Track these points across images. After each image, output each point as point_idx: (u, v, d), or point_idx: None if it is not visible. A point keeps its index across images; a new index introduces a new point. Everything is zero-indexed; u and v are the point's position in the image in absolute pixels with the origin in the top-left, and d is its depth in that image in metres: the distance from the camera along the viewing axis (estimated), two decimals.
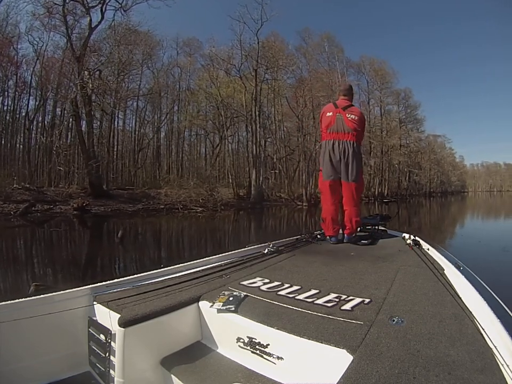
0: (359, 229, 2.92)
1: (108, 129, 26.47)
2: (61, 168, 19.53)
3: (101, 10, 19.67)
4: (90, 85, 18.70)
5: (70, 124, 23.47)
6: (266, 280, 1.64)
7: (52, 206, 15.40)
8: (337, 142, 2.78)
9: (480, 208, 25.83)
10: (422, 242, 2.42)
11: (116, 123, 28.77)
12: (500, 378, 0.76)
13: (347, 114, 2.80)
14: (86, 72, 18.91)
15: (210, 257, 2.07)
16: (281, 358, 1.10)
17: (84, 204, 14.81)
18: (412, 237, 2.52)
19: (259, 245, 2.43)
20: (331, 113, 2.84)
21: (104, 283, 1.55)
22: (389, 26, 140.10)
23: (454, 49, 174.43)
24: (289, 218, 16.34)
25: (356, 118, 2.82)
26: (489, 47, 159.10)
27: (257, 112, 22.11)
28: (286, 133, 29.61)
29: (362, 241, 2.65)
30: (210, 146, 31.58)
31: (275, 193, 24.87)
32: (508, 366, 0.78)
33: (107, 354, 1.27)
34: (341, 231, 2.87)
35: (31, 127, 24.70)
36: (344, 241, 2.76)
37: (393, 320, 1.11)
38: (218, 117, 25.23)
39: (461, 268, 1.63)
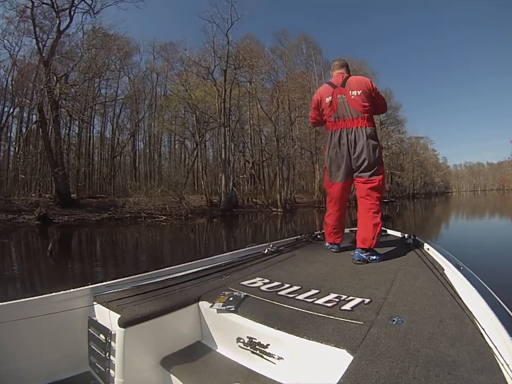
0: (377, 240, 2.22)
1: (78, 135, 25.86)
2: (23, 176, 18.80)
3: (69, 13, 19.15)
4: (58, 90, 18.15)
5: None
6: (266, 280, 1.64)
7: (16, 216, 14.87)
8: (344, 132, 2.25)
9: (464, 208, 26.00)
10: (422, 242, 2.40)
11: (91, 130, 28.34)
12: (500, 378, 0.76)
13: (350, 92, 2.25)
14: (54, 77, 18.41)
15: (211, 257, 2.05)
16: (281, 358, 1.10)
17: (41, 214, 14.08)
18: (412, 237, 2.50)
19: (259, 245, 2.42)
20: (330, 97, 2.31)
21: (104, 283, 1.53)
22: (371, 29, 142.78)
23: (437, 52, 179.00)
24: (257, 227, 15.47)
25: (360, 92, 2.23)
26: (473, 49, 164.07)
27: (226, 115, 21.55)
28: (264, 138, 29.33)
29: None
30: (187, 153, 31.14)
31: (251, 199, 24.36)
32: (508, 366, 0.78)
33: (107, 355, 1.25)
34: (348, 231, 2.77)
35: (1, 134, 23.94)
36: (356, 258, 2.08)
37: (393, 320, 1.10)
38: (194, 122, 24.81)
39: (461, 268, 1.61)
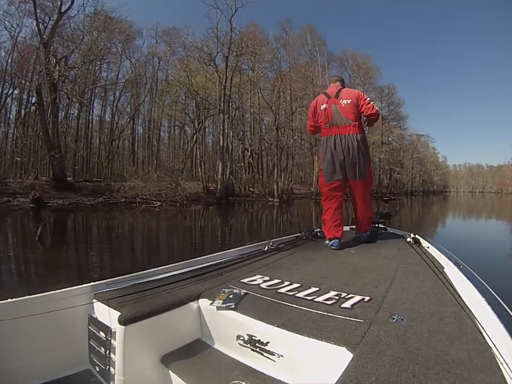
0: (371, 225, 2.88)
1: (77, 118, 25.64)
2: (19, 159, 18.61)
3: None
4: (56, 72, 17.86)
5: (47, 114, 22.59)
6: (266, 278, 1.64)
7: (10, 199, 14.74)
8: (338, 138, 2.52)
9: (462, 208, 25.96)
10: (422, 240, 2.42)
11: (90, 113, 28.10)
12: (499, 377, 0.76)
13: (341, 101, 2.54)
14: (54, 58, 18.11)
15: (210, 255, 2.06)
16: (281, 356, 1.10)
17: (35, 197, 13.91)
18: (412, 235, 2.52)
19: (259, 243, 2.43)
20: (325, 105, 2.58)
21: (104, 281, 1.53)
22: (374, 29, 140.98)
23: (443, 55, 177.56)
24: (252, 216, 15.21)
25: (349, 101, 2.52)
26: (478, 54, 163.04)
27: (226, 102, 21.26)
28: (264, 127, 29.12)
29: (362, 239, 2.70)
30: (187, 139, 30.97)
31: (248, 188, 24.30)
32: (507, 364, 0.77)
33: (107, 352, 1.25)
34: (348, 229, 2.92)
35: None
36: (360, 239, 2.68)
37: (393, 318, 1.10)
38: (194, 108, 24.60)
39: (461, 266, 1.62)
